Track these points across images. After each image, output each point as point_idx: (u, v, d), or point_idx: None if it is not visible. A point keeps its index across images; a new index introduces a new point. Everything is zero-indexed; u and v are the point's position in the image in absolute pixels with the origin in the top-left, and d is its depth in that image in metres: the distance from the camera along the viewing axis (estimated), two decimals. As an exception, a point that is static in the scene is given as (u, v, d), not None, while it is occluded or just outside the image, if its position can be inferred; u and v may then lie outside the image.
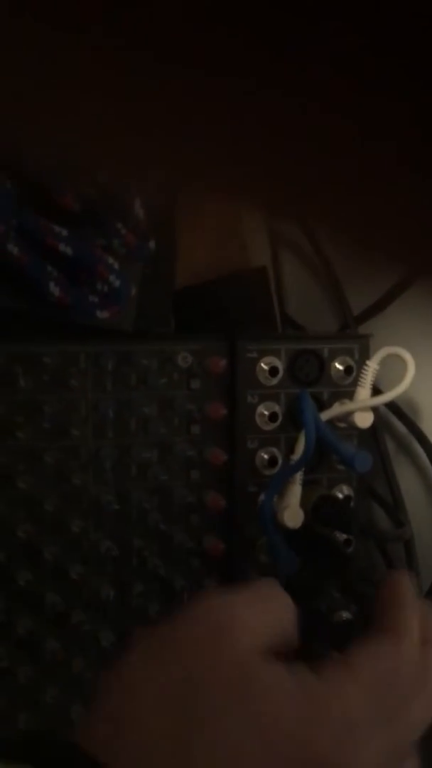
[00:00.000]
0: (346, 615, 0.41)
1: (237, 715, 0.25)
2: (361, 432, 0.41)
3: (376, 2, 0.10)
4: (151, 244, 0.35)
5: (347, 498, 0.41)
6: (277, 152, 0.13)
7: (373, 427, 0.41)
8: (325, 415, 0.39)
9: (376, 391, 0.41)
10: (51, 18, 0.12)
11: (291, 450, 0.40)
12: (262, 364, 0.39)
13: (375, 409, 0.41)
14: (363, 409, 0.40)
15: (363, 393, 0.40)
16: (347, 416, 0.40)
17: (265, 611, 0.29)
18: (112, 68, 0.13)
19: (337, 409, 0.40)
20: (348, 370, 0.41)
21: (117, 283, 0.33)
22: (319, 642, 0.40)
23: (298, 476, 0.38)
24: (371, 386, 0.40)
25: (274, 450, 0.40)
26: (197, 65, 0.12)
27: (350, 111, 0.12)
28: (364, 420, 0.40)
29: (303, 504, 0.39)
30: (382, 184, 0.13)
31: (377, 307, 0.45)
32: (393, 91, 0.11)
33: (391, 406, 0.42)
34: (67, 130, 0.15)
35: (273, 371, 0.39)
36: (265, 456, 0.40)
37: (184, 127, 0.14)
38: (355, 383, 0.40)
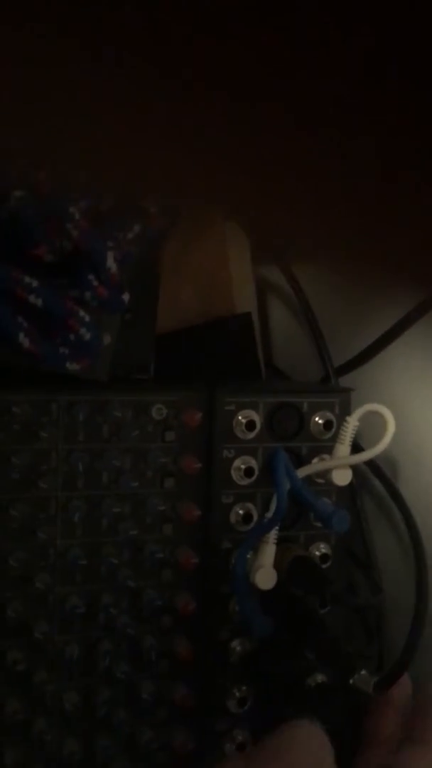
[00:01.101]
0: (320, 678, 0.40)
1: None
2: (340, 489, 0.40)
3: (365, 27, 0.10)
4: (125, 296, 0.34)
5: (323, 557, 0.40)
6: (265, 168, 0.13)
7: (351, 485, 0.40)
8: (302, 472, 0.38)
9: (355, 447, 0.40)
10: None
11: (267, 506, 0.39)
12: (240, 418, 0.39)
13: (354, 467, 0.40)
14: (342, 467, 0.39)
15: (342, 450, 0.39)
16: (325, 473, 0.39)
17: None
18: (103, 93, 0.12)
19: (315, 466, 0.39)
20: (328, 425, 0.40)
21: (88, 336, 0.32)
22: (293, 706, 0.38)
23: (272, 535, 0.37)
24: (351, 443, 0.39)
25: (250, 506, 0.39)
26: (190, 90, 0.12)
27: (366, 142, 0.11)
28: (342, 477, 0.39)
29: (278, 564, 0.38)
30: (387, 201, 0.13)
31: (361, 359, 0.45)
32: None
33: (370, 464, 0.41)
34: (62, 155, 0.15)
35: (250, 425, 0.38)
36: (241, 512, 0.39)
37: (179, 149, 0.13)
38: (334, 438, 0.39)
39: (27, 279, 0.31)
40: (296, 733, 0.32)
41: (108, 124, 0.13)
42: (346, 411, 0.40)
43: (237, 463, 0.39)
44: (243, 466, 0.39)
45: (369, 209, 0.13)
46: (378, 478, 0.41)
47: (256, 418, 0.39)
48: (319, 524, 0.40)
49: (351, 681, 0.37)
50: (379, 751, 0.37)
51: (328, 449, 0.40)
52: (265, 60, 0.11)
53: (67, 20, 0.11)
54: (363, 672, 0.36)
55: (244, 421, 0.38)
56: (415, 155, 0.11)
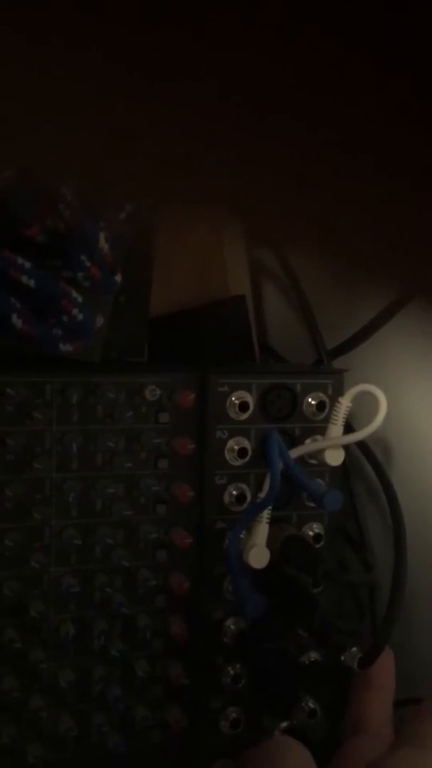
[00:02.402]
0: (313, 656, 0.41)
1: None
2: (332, 470, 0.40)
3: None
4: (117, 277, 0.34)
5: (317, 537, 0.40)
6: (262, 167, 0.13)
7: (344, 465, 0.41)
8: (295, 452, 0.39)
9: (348, 428, 0.40)
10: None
11: (260, 486, 0.39)
12: (233, 399, 0.39)
13: (346, 447, 0.40)
14: (334, 447, 0.39)
15: (335, 430, 0.39)
16: (318, 453, 0.39)
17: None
18: (88, 87, 0.12)
19: (307, 447, 0.39)
20: (320, 406, 0.40)
21: (80, 316, 0.32)
22: (285, 684, 0.39)
23: (265, 515, 0.37)
24: (343, 423, 0.39)
25: (243, 486, 0.39)
26: (180, 82, 0.12)
27: (338, 127, 0.12)
28: (335, 458, 0.39)
29: (271, 543, 0.38)
30: (372, 200, 0.13)
31: (353, 342, 0.45)
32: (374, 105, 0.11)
33: (362, 446, 0.41)
34: (37, 145, 0.15)
35: (243, 406, 0.39)
36: (234, 492, 0.39)
37: (165, 140, 0.13)
38: (327, 419, 0.40)
39: (20, 260, 0.32)
40: (282, 754, 0.32)
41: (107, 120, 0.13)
42: (338, 392, 0.40)
43: (230, 444, 0.39)
44: (236, 447, 0.39)
45: (364, 196, 0.13)
46: (367, 458, 0.41)
47: (250, 399, 0.39)
48: (312, 504, 0.40)
49: (342, 658, 0.37)
50: (363, 739, 0.37)
51: (321, 430, 0.40)
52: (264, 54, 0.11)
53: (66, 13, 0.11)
54: (354, 649, 0.37)
55: (237, 402, 0.39)
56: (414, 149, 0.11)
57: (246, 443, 0.39)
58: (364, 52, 0.10)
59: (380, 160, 0.12)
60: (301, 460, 0.39)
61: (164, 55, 0.11)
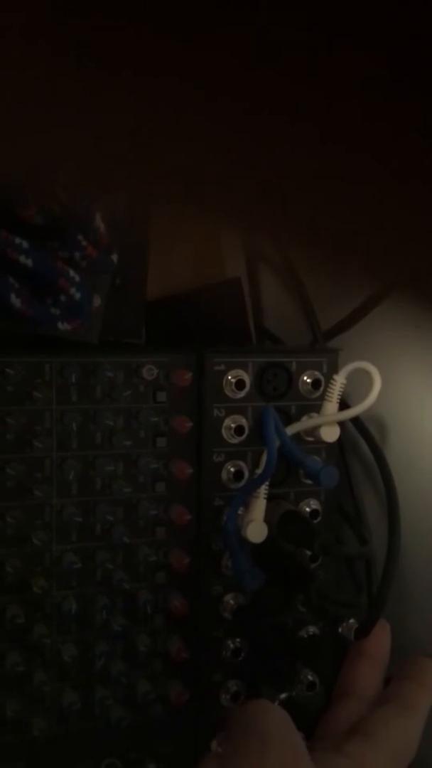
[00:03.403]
0: (312, 630, 0.41)
1: None
2: (328, 447, 0.41)
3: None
4: (114, 256, 0.34)
5: (313, 513, 0.41)
6: (250, 170, 0.13)
7: (340, 442, 0.41)
8: (291, 429, 0.39)
9: (344, 405, 0.41)
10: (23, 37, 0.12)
11: (257, 464, 0.40)
12: (229, 377, 0.39)
13: (342, 425, 0.40)
14: (329, 424, 0.40)
15: (330, 407, 0.40)
16: (314, 430, 0.40)
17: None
18: (83, 82, 0.13)
19: (303, 423, 0.40)
20: (316, 384, 0.41)
21: (78, 295, 0.33)
22: (284, 657, 0.40)
23: (263, 491, 0.38)
24: (338, 401, 0.40)
25: (241, 463, 0.40)
26: (168, 78, 0.12)
27: (322, 124, 0.12)
28: (330, 434, 0.40)
29: (268, 519, 0.39)
30: (355, 200, 0.13)
31: (348, 322, 0.45)
32: (366, 104, 0.11)
33: (357, 423, 0.42)
34: (34, 144, 0.15)
35: (240, 384, 0.39)
36: (232, 469, 0.40)
37: (156, 143, 0.14)
38: (322, 397, 0.40)
39: (17, 240, 0.32)
40: (260, 723, 0.32)
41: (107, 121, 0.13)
42: (333, 370, 0.41)
43: (227, 422, 0.40)
44: (233, 425, 0.39)
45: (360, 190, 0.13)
46: (362, 434, 0.42)
47: (246, 377, 0.39)
48: (308, 481, 0.41)
49: (339, 630, 0.38)
50: (349, 702, 0.37)
51: (317, 408, 0.40)
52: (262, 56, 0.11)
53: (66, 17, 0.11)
54: (351, 621, 0.38)
55: (233, 380, 0.39)
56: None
57: (243, 421, 0.40)
58: (365, 52, 0.11)
59: (375, 160, 0.12)
60: (298, 437, 0.40)
61: (160, 57, 0.12)
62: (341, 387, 0.39)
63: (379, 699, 0.37)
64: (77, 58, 0.12)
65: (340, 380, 0.39)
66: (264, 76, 0.11)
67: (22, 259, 0.32)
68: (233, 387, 0.39)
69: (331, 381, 0.40)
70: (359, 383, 0.40)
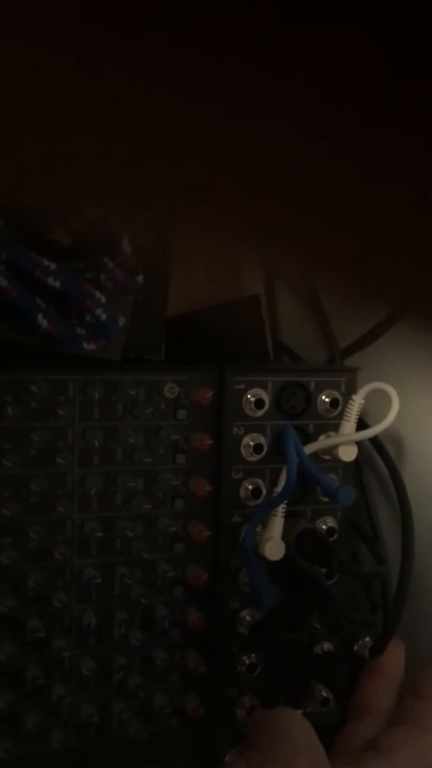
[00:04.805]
0: (327, 646, 0.42)
1: None
2: (345, 465, 0.41)
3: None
4: (139, 278, 0.35)
5: (330, 531, 0.42)
6: (270, 193, 0.14)
7: (357, 461, 0.42)
8: (309, 448, 0.40)
9: (361, 425, 0.41)
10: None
11: (275, 482, 0.40)
12: (249, 396, 0.40)
13: (359, 443, 0.41)
14: (347, 443, 0.40)
15: (348, 427, 0.40)
16: (332, 449, 0.40)
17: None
18: (104, 102, 0.13)
19: (321, 443, 0.40)
20: (334, 403, 0.41)
21: (104, 316, 0.34)
22: (299, 673, 0.40)
23: (281, 509, 0.39)
24: (356, 420, 0.40)
25: (259, 481, 0.40)
26: (189, 96, 0.12)
27: (349, 149, 0.12)
28: (348, 454, 0.40)
29: (286, 536, 0.39)
30: (375, 224, 0.14)
31: (366, 340, 0.46)
32: (391, 129, 0.11)
33: (374, 442, 0.42)
34: (58, 166, 0.16)
35: (259, 403, 0.40)
36: (250, 487, 0.40)
37: (176, 164, 0.14)
38: (340, 416, 0.41)
39: (45, 262, 0.33)
40: (289, 731, 0.32)
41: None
42: (351, 389, 0.41)
43: (246, 440, 0.40)
44: (252, 443, 0.40)
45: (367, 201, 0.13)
46: (379, 453, 0.42)
47: (265, 396, 0.40)
48: (325, 499, 0.41)
49: (355, 648, 0.38)
50: (364, 722, 0.38)
51: (335, 427, 0.41)
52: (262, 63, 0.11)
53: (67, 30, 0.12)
54: (366, 639, 0.38)
55: (253, 399, 0.40)
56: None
57: (261, 439, 0.40)
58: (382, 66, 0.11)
59: (396, 184, 0.13)
60: (315, 455, 0.41)
61: (179, 73, 0.12)
62: (359, 407, 0.40)
63: (394, 717, 0.37)
64: (101, 79, 0.12)
65: (358, 400, 0.40)
66: (299, 99, 0.12)
67: (50, 280, 0.33)
68: (253, 406, 0.40)
69: (350, 401, 0.40)
70: (377, 401, 0.40)
